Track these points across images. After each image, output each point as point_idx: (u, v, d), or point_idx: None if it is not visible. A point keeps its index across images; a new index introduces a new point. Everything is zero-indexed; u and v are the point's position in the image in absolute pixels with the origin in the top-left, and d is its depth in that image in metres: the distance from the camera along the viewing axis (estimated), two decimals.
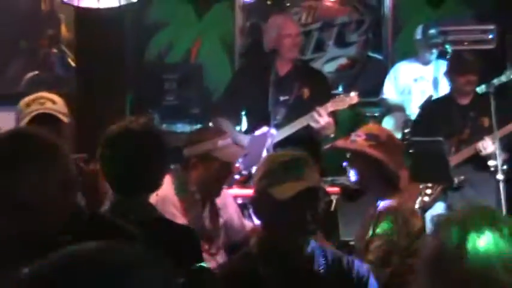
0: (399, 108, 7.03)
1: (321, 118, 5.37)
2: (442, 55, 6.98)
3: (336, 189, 5.13)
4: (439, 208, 5.69)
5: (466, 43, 7.37)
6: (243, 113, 5.55)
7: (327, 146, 4.43)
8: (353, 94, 5.57)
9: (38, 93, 3.82)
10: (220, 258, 4.20)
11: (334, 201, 5.61)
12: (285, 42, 5.55)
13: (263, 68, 5.64)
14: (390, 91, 7.18)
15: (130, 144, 2.99)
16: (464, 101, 5.89)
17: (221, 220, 4.30)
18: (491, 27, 7.43)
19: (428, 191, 5.69)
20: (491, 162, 5.41)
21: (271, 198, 2.75)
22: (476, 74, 5.82)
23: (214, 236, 4.21)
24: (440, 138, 5.81)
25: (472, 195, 5.44)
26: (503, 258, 1.67)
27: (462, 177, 5.68)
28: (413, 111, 6.86)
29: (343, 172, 5.01)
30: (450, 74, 6.02)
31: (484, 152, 5.51)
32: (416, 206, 5.78)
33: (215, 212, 4.27)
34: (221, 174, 4.18)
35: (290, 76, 5.60)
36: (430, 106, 6.17)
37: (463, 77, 5.84)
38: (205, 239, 4.15)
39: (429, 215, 5.48)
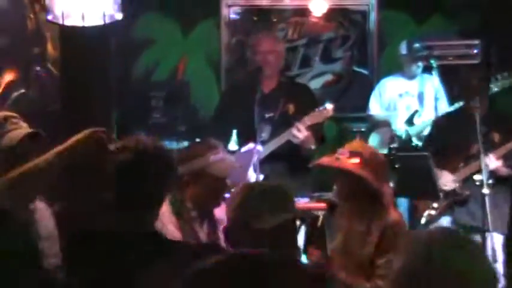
0: (385, 124, 7.05)
1: (300, 133, 5.43)
2: (427, 70, 7.01)
3: (322, 205, 5.13)
4: (445, 222, 5.72)
5: (451, 58, 7.43)
6: (234, 132, 5.53)
7: (313, 164, 4.46)
8: (329, 107, 5.60)
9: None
10: None
11: (321, 217, 5.62)
12: (263, 59, 5.63)
13: (249, 85, 5.66)
14: (376, 107, 7.21)
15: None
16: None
17: (221, 235, 4.29)
18: (476, 42, 7.50)
19: (435, 205, 5.72)
20: (477, 177, 5.41)
21: (248, 229, 2.72)
22: (479, 94, 5.79)
23: (212, 252, 4.19)
24: (426, 153, 5.83)
25: (477, 210, 5.45)
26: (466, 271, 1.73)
27: (468, 192, 5.69)
28: (399, 127, 6.89)
29: (330, 188, 5.05)
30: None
31: (487, 169, 5.49)
32: (423, 220, 5.83)
33: (214, 228, 4.26)
34: (216, 189, 4.17)
35: (275, 93, 5.64)
36: (446, 118, 6.13)
37: (466, 99, 5.83)
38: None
39: None
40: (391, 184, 5.57)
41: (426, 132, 6.75)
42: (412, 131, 6.80)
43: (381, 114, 7.15)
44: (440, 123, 6.25)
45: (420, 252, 1.76)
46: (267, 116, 5.50)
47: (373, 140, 7.15)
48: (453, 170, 5.81)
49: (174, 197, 4.13)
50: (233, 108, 5.66)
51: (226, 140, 5.41)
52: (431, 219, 5.74)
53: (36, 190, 3.22)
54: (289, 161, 5.61)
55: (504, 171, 5.68)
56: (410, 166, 5.71)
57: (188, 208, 4.13)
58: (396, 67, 7.26)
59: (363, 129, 7.46)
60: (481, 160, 5.33)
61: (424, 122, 6.78)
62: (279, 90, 5.67)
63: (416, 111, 6.87)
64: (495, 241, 5.58)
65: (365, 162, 3.80)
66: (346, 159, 3.82)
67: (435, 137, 6.19)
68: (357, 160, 3.80)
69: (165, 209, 3.93)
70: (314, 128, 5.54)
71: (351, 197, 3.89)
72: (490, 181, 5.37)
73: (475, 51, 7.49)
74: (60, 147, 2.98)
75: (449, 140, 5.85)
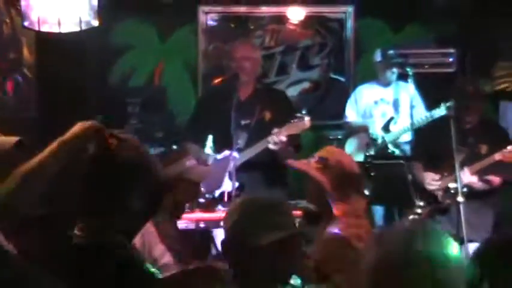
0: (362, 129, 7.05)
1: (277, 141, 5.41)
2: (402, 77, 7.04)
3: (298, 212, 5.12)
4: None
5: (426, 66, 7.48)
6: (210, 138, 5.52)
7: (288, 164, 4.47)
8: (306, 119, 5.57)
9: None
10: None
11: (297, 225, 5.62)
12: (239, 65, 5.60)
13: (225, 92, 5.63)
14: (352, 114, 7.22)
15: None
16: (468, 125, 5.88)
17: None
18: (452, 50, 7.55)
19: (419, 210, 5.74)
20: (451, 185, 5.45)
21: (245, 246, 2.66)
22: (476, 106, 5.80)
23: (186, 254, 4.20)
24: (402, 161, 5.86)
25: (456, 219, 5.47)
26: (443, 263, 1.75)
27: (449, 201, 5.71)
28: (375, 133, 6.90)
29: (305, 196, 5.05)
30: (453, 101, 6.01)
31: (461, 181, 5.51)
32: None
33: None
34: (192, 194, 4.21)
35: (251, 100, 5.61)
36: (438, 125, 6.12)
37: (460, 108, 5.84)
38: (177, 258, 4.16)
39: None
40: (366, 192, 5.61)
41: (402, 139, 6.79)
42: (388, 137, 6.82)
43: (358, 121, 7.16)
44: (426, 132, 6.28)
45: (400, 242, 1.76)
46: (243, 123, 5.46)
47: (350, 146, 7.15)
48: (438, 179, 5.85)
49: None
50: (209, 114, 5.63)
51: (202, 145, 5.40)
52: None
53: (42, 189, 3.09)
54: (265, 169, 5.60)
55: (478, 185, 5.70)
56: (386, 174, 5.74)
57: (164, 216, 4.14)
58: (372, 74, 7.28)
59: (339, 137, 7.47)
60: (455, 169, 5.36)
61: (400, 130, 6.80)
62: (255, 97, 5.64)
63: (392, 118, 6.88)
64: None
65: (327, 168, 3.77)
66: (314, 163, 3.82)
67: (421, 144, 6.22)
68: (321, 165, 3.78)
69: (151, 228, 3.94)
70: (291, 137, 5.54)
71: (317, 202, 3.87)
72: (465, 189, 5.40)
73: (451, 59, 7.53)
74: (60, 141, 2.81)
75: (435, 148, 5.86)
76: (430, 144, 6.03)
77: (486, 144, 5.73)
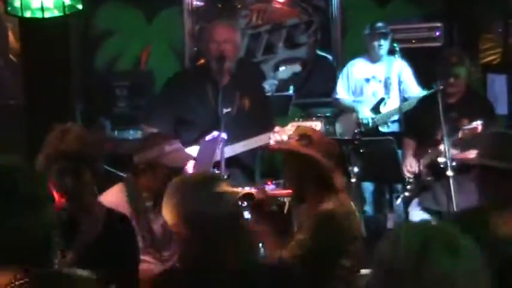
0: (351, 109, 7.04)
1: (279, 140, 5.05)
2: (392, 53, 7.01)
3: (288, 191, 5.09)
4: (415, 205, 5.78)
5: (413, 41, 7.47)
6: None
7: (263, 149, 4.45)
8: (316, 122, 5.37)
9: None
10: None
11: (287, 204, 5.61)
12: (218, 48, 5.22)
13: (204, 76, 5.36)
14: (342, 91, 7.20)
15: None
16: (452, 99, 5.87)
17: None
18: (438, 25, 7.54)
19: (409, 187, 5.77)
20: (441, 159, 5.44)
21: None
22: (458, 76, 5.79)
23: (166, 242, 4.19)
24: (391, 138, 5.86)
25: (442, 195, 5.48)
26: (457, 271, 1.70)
27: (430, 178, 5.73)
28: (365, 114, 6.88)
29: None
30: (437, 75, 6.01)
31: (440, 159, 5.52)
32: (399, 200, 5.88)
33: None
34: (170, 180, 4.15)
35: (230, 86, 5.28)
36: (427, 101, 6.11)
37: (444, 80, 5.84)
38: (155, 246, 4.14)
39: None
40: (356, 169, 5.62)
41: (392, 119, 6.77)
42: (378, 118, 6.79)
43: (348, 100, 7.14)
44: (414, 108, 6.28)
45: (413, 249, 1.71)
46: (225, 111, 5.23)
47: (339, 126, 7.15)
48: (422, 155, 5.84)
49: (129, 186, 4.14)
50: (182, 97, 5.32)
51: (168, 129, 5.22)
52: (406, 201, 5.80)
53: None
54: (249, 165, 5.41)
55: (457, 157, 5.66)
56: (375, 150, 5.74)
57: (144, 198, 4.13)
58: (359, 51, 7.27)
59: (327, 114, 7.47)
60: (444, 143, 5.36)
61: (390, 111, 6.77)
62: (233, 84, 5.31)
63: (382, 99, 6.84)
64: None
65: (315, 144, 3.74)
66: (295, 142, 3.79)
67: (409, 121, 6.22)
68: (306, 142, 3.74)
69: (121, 200, 3.94)
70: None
71: (300, 182, 3.84)
72: (454, 163, 5.40)
73: (437, 33, 7.53)
74: None
75: (421, 124, 5.86)
76: (417, 120, 6.03)
77: (468, 118, 5.71)
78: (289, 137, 3.85)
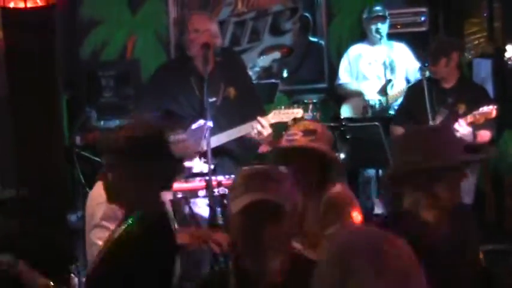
0: (357, 93, 7.04)
1: (264, 130, 5.15)
2: (393, 37, 7.04)
3: None
4: None
5: (399, 26, 7.47)
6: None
7: (267, 149, 4.44)
8: (298, 109, 5.36)
9: None
10: None
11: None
12: (195, 38, 5.25)
13: (188, 66, 5.37)
14: (345, 75, 7.20)
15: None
16: (447, 84, 5.90)
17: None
18: (423, 9, 7.54)
19: None
20: None
21: (232, 212, 2.58)
22: (442, 60, 5.79)
23: None
24: (377, 123, 5.87)
25: None
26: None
27: None
28: (372, 97, 6.89)
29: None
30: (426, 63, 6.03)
31: (457, 134, 5.53)
32: None
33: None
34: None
35: (214, 75, 5.28)
36: (414, 87, 6.14)
37: (430, 66, 5.86)
38: None
39: None
40: (342, 155, 5.63)
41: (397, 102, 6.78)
42: (386, 100, 6.79)
43: (352, 84, 7.15)
44: (409, 92, 6.29)
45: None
46: (210, 100, 5.23)
47: (345, 110, 7.15)
48: None
49: None
50: (169, 87, 5.34)
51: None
52: None
53: None
54: (235, 154, 5.37)
55: (470, 139, 5.66)
56: (361, 136, 5.76)
57: None
58: (345, 37, 7.28)
59: (315, 101, 7.46)
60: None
61: (397, 92, 6.79)
62: (218, 73, 5.33)
63: (389, 81, 6.85)
64: None
65: (321, 138, 3.82)
66: (302, 138, 3.82)
67: (404, 105, 6.23)
68: (312, 137, 3.79)
69: None
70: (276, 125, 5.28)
71: (307, 175, 3.85)
72: None
73: (423, 18, 7.54)
74: None
75: (414, 111, 5.87)
76: (409, 107, 6.05)
77: (464, 103, 5.75)
78: (292, 134, 3.85)
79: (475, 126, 5.62)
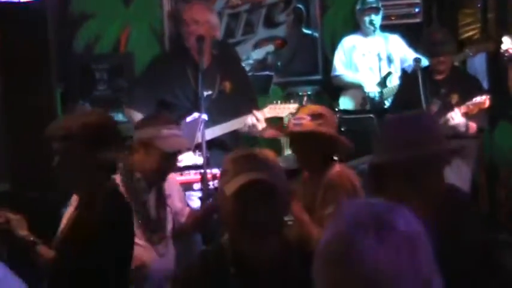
0: (355, 85, 7.04)
1: (259, 123, 5.15)
2: (387, 28, 7.04)
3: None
4: None
5: (393, 18, 7.48)
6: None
7: (273, 134, 4.45)
8: (294, 104, 5.35)
9: None
10: (164, 247, 4.19)
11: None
12: (194, 30, 5.20)
13: (184, 57, 5.34)
14: (341, 67, 7.20)
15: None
16: (440, 76, 5.90)
17: (168, 209, 4.28)
18: (417, 1, 7.55)
19: None
20: None
21: (225, 196, 2.61)
22: (447, 53, 5.81)
23: (158, 225, 4.19)
24: (372, 115, 5.88)
25: None
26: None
27: None
28: (371, 89, 6.89)
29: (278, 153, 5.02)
30: (423, 53, 6.03)
31: (451, 122, 5.54)
32: None
33: (162, 201, 4.24)
34: (161, 163, 4.14)
35: (211, 68, 5.28)
36: (409, 77, 6.15)
37: (433, 58, 5.87)
38: (148, 228, 4.14)
39: None
40: None
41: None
42: (385, 92, 6.78)
43: (349, 76, 7.15)
44: (404, 82, 6.29)
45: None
46: (205, 93, 5.14)
47: (344, 102, 7.15)
48: None
49: (125, 166, 4.13)
50: (164, 78, 5.32)
51: (149, 111, 5.22)
52: None
53: None
54: (229, 147, 5.26)
55: (464, 129, 5.67)
56: (356, 128, 5.76)
57: (137, 178, 4.12)
58: (339, 29, 7.27)
59: (309, 93, 7.47)
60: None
61: (396, 84, 6.79)
62: (214, 66, 5.32)
63: (389, 73, 6.85)
64: None
65: (328, 122, 3.87)
66: (310, 122, 3.84)
67: (399, 95, 6.23)
68: (321, 121, 3.83)
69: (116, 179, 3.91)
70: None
71: (313, 157, 3.91)
72: None
73: (417, 10, 7.54)
74: None
75: (408, 102, 5.87)
76: (403, 98, 6.05)
77: (457, 93, 5.76)
78: (300, 118, 3.88)
79: (469, 116, 5.63)
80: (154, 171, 4.14)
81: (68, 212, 3.65)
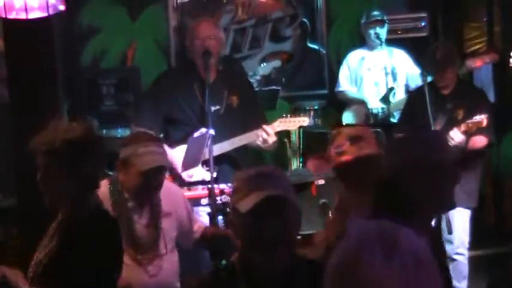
0: (359, 101, 7.03)
1: (270, 138, 5.14)
2: (393, 43, 7.03)
3: None
4: None
5: (399, 32, 7.48)
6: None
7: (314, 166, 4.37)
8: (304, 118, 5.40)
9: None
10: (156, 267, 4.16)
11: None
12: (202, 44, 5.22)
13: (191, 73, 5.35)
14: (345, 83, 7.19)
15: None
16: (446, 90, 5.89)
17: (166, 228, 4.25)
18: (423, 14, 7.56)
19: None
20: None
21: (238, 213, 2.64)
22: (449, 68, 5.79)
23: (148, 245, 4.17)
24: (379, 130, 5.86)
25: None
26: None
27: None
28: (373, 105, 6.87)
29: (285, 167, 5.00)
30: (426, 69, 6.01)
31: (451, 142, 5.55)
32: None
33: (154, 220, 4.21)
34: (141, 181, 4.09)
35: (217, 83, 5.29)
36: (415, 93, 6.13)
37: (436, 75, 5.86)
38: (136, 248, 4.11)
39: None
40: None
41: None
42: (388, 108, 6.74)
43: (352, 92, 7.14)
44: (410, 98, 6.27)
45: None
46: (213, 108, 5.15)
47: (347, 117, 7.14)
48: None
49: (114, 185, 4.13)
50: (171, 95, 5.31)
51: (158, 128, 5.21)
52: None
53: None
54: (237, 162, 5.32)
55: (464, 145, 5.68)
56: None
57: (125, 198, 4.11)
58: (345, 43, 7.28)
59: (316, 107, 7.48)
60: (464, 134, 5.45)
61: (400, 100, 6.75)
62: (221, 81, 5.33)
63: (392, 89, 6.80)
64: (461, 215, 5.67)
65: (368, 141, 3.77)
66: (350, 147, 3.72)
67: (406, 111, 6.22)
68: (361, 143, 3.72)
69: (105, 199, 3.80)
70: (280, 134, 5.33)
71: (366, 183, 3.78)
72: None
73: (423, 24, 7.55)
74: None
75: (417, 115, 5.86)
76: (411, 113, 6.03)
77: (463, 109, 5.75)
78: (338, 146, 3.76)
79: (469, 134, 5.63)
80: (136, 189, 4.12)
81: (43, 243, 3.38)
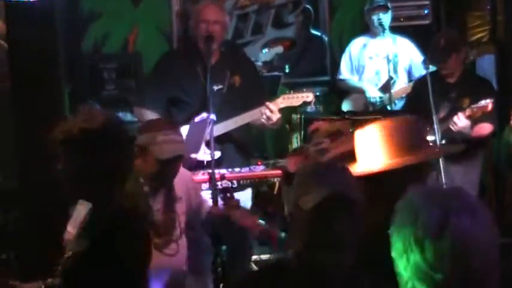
0: (358, 90, 7.01)
1: (273, 115, 5.15)
2: (396, 30, 6.99)
3: (278, 171, 5.08)
4: None
5: (402, 19, 7.45)
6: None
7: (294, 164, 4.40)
8: (308, 93, 5.33)
9: None
10: (172, 250, 4.16)
11: (278, 184, 5.62)
12: (207, 28, 5.22)
13: (194, 55, 5.35)
14: (346, 71, 7.16)
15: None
16: (451, 79, 5.88)
17: (179, 212, 4.26)
18: (426, 2, 7.54)
19: None
20: (430, 137, 5.46)
21: (300, 211, 2.55)
22: (453, 55, 5.77)
23: (165, 229, 4.18)
24: (379, 116, 5.84)
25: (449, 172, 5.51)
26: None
27: None
28: (372, 94, 6.85)
29: (283, 155, 5.00)
30: (429, 59, 6.00)
31: (455, 127, 5.54)
32: None
33: (169, 206, 4.23)
34: (158, 169, 4.11)
35: (220, 64, 5.29)
36: (421, 82, 6.11)
37: (439, 64, 5.85)
38: (154, 233, 4.12)
39: None
40: None
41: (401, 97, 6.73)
42: (387, 98, 6.72)
43: (353, 80, 7.11)
44: (416, 87, 6.25)
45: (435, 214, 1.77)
46: (215, 88, 5.17)
47: (346, 106, 7.12)
48: None
49: None
50: (175, 75, 5.32)
51: (162, 109, 5.23)
52: None
53: None
54: (241, 143, 5.36)
55: (469, 131, 5.68)
56: None
57: (142, 183, 4.11)
58: (347, 30, 7.25)
59: (317, 94, 7.45)
60: (433, 120, 5.38)
61: (402, 87, 6.74)
62: (223, 62, 5.33)
63: (391, 78, 6.77)
64: None
65: (348, 137, 3.62)
66: (331, 144, 3.68)
67: (411, 99, 6.20)
68: (341, 138, 3.59)
69: None
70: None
71: None
72: (443, 141, 5.43)
73: (426, 11, 7.53)
74: None
75: (422, 103, 5.86)
76: (415, 102, 6.02)
77: (468, 97, 5.74)
78: (320, 143, 3.70)
79: (474, 119, 5.63)
80: (153, 177, 4.12)
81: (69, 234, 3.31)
